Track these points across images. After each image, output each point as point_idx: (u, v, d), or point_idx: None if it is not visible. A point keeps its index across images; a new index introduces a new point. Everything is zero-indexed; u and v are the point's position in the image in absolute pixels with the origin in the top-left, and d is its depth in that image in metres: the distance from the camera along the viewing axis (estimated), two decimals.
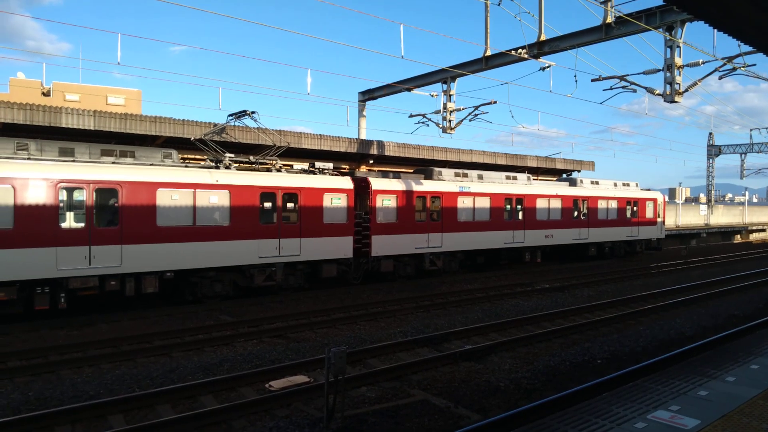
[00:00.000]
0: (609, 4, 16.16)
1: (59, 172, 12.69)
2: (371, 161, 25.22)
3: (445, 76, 21.49)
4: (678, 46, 15.31)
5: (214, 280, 15.21)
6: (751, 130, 51.73)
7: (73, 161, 13.36)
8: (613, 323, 13.35)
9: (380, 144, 24.38)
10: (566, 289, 18.58)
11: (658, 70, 16.17)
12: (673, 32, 15.27)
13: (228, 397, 8.19)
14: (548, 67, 18.10)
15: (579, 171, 34.91)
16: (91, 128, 16.99)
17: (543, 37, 17.77)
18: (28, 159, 12.77)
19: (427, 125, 22.58)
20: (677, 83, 15.45)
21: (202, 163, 16.90)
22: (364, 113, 26.54)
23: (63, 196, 12.79)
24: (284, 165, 17.73)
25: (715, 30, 9.13)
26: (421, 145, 26.08)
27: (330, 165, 18.45)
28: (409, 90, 22.95)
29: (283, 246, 16.14)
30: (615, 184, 29.11)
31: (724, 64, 16.05)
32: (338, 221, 17.44)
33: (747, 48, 14.69)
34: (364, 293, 17.29)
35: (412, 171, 23.44)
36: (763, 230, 56.17)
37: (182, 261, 14.25)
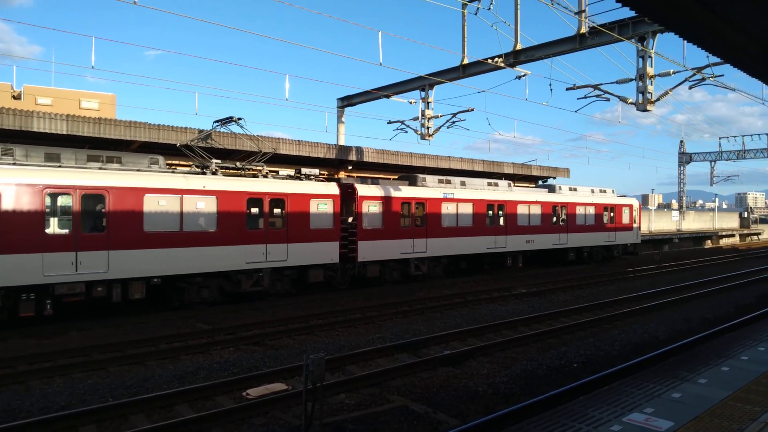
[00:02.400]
0: (583, 15, 16.49)
1: (45, 178, 12.53)
2: (350, 167, 25.22)
3: (423, 83, 21.63)
4: (650, 57, 15.69)
5: (202, 285, 15.09)
6: (720, 138, 53.33)
7: (59, 167, 13.15)
8: (589, 327, 13.52)
9: (359, 150, 24.40)
10: (543, 294, 18.78)
11: (631, 80, 16.54)
12: (645, 43, 15.64)
13: (204, 405, 8.06)
14: (524, 75, 18.37)
15: (554, 177, 35.45)
16: (64, 132, 16.65)
17: (519, 47, 18.02)
18: (14, 164, 12.54)
19: (406, 132, 22.66)
20: (649, 92, 15.82)
21: (188, 168, 16.77)
22: (343, 119, 26.54)
23: (49, 201, 12.65)
24: (270, 171, 17.69)
25: (685, 41, 9.40)
26: (400, 152, 26.21)
27: (316, 171, 18.44)
28: (387, 97, 23.04)
29: (269, 251, 16.07)
30: (592, 191, 29.64)
31: (694, 74, 16.50)
32: (325, 227, 17.46)
33: (715, 59, 15.12)
34: (343, 299, 17.23)
35: (393, 177, 23.53)
36: (733, 236, 57.74)
37: (169, 266, 14.13)
